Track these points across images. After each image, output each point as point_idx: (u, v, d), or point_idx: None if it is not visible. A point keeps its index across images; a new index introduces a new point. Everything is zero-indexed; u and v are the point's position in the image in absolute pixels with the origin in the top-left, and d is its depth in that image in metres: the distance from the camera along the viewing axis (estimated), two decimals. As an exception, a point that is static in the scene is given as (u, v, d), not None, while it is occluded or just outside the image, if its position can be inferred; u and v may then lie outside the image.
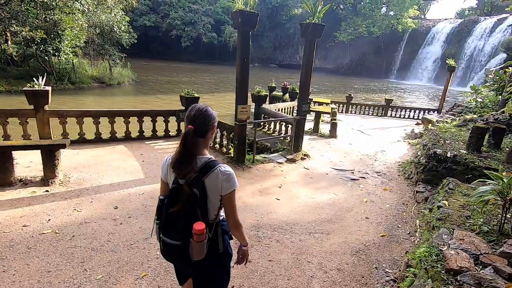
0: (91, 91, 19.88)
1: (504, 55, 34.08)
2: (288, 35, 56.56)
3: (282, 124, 8.11)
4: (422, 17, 53.80)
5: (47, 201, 4.02)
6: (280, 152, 7.10)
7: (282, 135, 7.97)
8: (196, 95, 7.52)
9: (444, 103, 15.62)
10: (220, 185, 1.50)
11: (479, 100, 10.00)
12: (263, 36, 57.74)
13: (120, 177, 5.05)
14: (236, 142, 5.96)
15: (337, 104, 15.69)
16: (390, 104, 16.08)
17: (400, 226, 4.42)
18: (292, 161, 6.72)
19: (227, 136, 6.43)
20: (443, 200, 3.68)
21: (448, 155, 5.28)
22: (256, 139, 6.48)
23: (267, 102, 10.93)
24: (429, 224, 3.58)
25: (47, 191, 4.27)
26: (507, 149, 5.80)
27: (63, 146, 4.32)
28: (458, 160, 5.14)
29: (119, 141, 6.83)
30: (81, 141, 6.48)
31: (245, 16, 5.06)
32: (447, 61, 15.80)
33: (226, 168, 1.54)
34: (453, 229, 2.85)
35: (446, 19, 48.03)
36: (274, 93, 14.45)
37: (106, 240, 3.33)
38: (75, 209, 3.90)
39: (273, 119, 7.85)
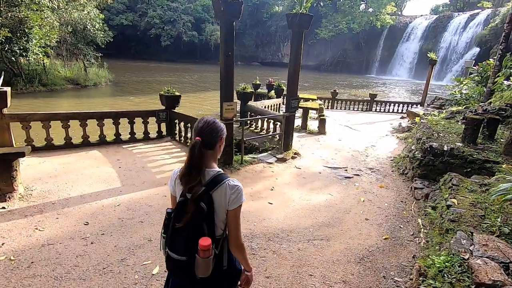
0: (65, 94, 18.73)
1: (478, 49, 35.46)
2: (269, 33, 56.36)
3: (270, 122, 7.72)
4: (399, 13, 55.00)
5: (3, 220, 3.43)
6: (269, 152, 6.71)
7: (271, 133, 7.58)
8: (177, 93, 7.00)
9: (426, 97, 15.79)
10: (228, 199, 1.45)
11: (464, 92, 10.03)
12: (245, 34, 57.23)
13: (92, 187, 4.48)
14: (222, 143, 5.51)
15: (323, 100, 15.52)
16: (375, 99, 16.09)
17: (402, 226, 4.13)
18: (283, 160, 6.34)
19: (212, 136, 5.96)
20: (450, 198, 3.41)
21: (445, 148, 5.07)
22: (244, 139, 6.06)
23: (253, 100, 10.52)
24: (438, 225, 3.30)
25: (3, 208, 3.67)
26: (502, 140, 5.69)
27: (21, 154, 3.73)
28: (455, 153, 4.94)
29: (92, 146, 6.21)
30: (49, 148, 5.81)
31: (228, 4, 4.61)
32: (428, 55, 15.96)
33: (235, 182, 1.48)
34: (472, 232, 2.56)
35: (422, 15, 49.32)
36: (259, 90, 14.06)
37: (73, 265, 2.81)
38: (36, 228, 3.33)
39: (261, 116, 7.42)
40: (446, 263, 2.24)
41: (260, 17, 56.39)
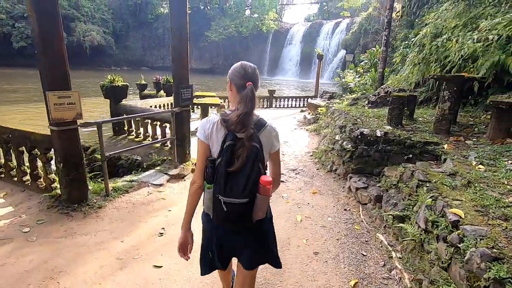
0: None
1: (344, 51, 41.71)
2: (157, 36, 52.22)
3: (157, 125, 5.52)
4: (280, 20, 59.92)
5: None
6: (158, 168, 4.55)
7: (158, 140, 5.35)
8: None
9: (318, 90, 16.47)
10: (272, 141, 1.48)
11: (357, 79, 10.26)
12: (128, 36, 51.29)
13: None
14: (60, 165, 3.06)
15: (223, 99, 14.10)
16: (274, 95, 15.82)
17: (365, 253, 2.80)
18: (179, 177, 4.32)
19: (42, 157, 3.37)
20: (443, 206, 2.19)
21: (378, 134, 4.15)
22: (111, 153, 3.72)
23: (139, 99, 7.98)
24: (443, 258, 2.01)
25: None
26: (420, 119, 5.30)
27: None
28: (391, 138, 4.05)
29: None
30: None
31: None
32: (316, 50, 16.85)
33: (273, 125, 1.49)
34: None
35: (298, 22, 55.07)
36: (146, 91, 11.40)
37: None
38: None
39: (133, 115, 5.07)
40: None
41: (144, 18, 51.49)
